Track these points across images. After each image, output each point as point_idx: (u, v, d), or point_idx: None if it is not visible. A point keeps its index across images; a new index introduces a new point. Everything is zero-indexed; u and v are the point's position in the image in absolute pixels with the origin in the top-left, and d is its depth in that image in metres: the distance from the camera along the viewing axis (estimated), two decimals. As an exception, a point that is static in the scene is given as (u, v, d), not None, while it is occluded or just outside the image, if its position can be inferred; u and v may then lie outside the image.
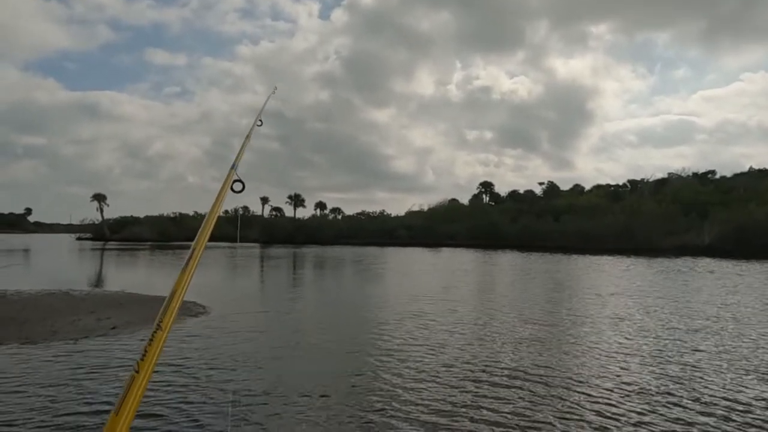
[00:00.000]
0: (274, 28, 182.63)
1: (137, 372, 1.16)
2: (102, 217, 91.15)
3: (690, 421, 5.65)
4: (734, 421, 5.63)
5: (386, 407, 6.09)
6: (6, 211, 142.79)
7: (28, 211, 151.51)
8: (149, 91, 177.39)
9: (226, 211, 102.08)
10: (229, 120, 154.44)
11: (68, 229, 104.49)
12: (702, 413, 5.86)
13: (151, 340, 1.24)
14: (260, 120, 2.97)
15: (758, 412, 5.88)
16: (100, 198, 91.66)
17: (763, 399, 6.31)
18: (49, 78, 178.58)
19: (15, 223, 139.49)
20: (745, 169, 74.81)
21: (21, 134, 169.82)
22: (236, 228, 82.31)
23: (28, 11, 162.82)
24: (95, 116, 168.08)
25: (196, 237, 1.59)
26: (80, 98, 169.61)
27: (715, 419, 5.68)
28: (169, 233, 78.60)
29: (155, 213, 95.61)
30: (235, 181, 1.95)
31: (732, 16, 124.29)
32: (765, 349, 8.95)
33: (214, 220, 1.73)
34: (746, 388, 6.75)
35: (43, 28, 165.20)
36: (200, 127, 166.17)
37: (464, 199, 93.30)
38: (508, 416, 5.78)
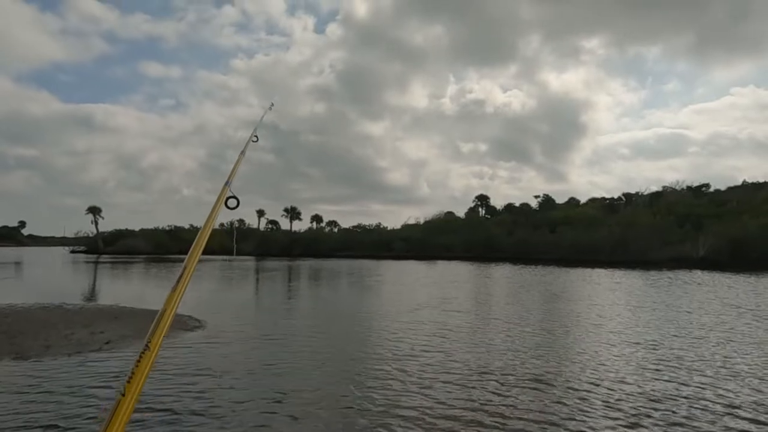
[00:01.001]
0: (269, 42, 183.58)
1: (123, 395, 1.09)
2: (97, 229, 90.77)
3: (689, 420, 5.68)
4: (744, 422, 5.67)
5: (403, 409, 6.13)
6: (0, 224, 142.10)
7: (22, 224, 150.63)
8: (143, 103, 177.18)
9: (222, 224, 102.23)
10: (224, 132, 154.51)
11: (62, 241, 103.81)
12: (701, 414, 5.88)
13: (138, 360, 1.17)
14: (256, 136, 2.91)
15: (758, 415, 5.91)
16: (94, 210, 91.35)
17: (761, 404, 6.35)
18: (42, 90, 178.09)
19: (8, 235, 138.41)
20: (738, 182, 75.67)
21: (13, 145, 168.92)
22: (232, 240, 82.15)
23: (22, 22, 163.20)
24: (89, 128, 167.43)
25: (188, 254, 1.54)
26: (74, 110, 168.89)
27: (716, 421, 5.71)
28: (164, 246, 78.35)
29: (150, 225, 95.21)
30: (229, 197, 1.92)
31: (720, 29, 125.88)
32: (752, 355, 9.00)
33: (207, 237, 1.69)
34: (743, 391, 6.78)
35: (37, 39, 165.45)
36: (195, 139, 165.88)
37: (459, 212, 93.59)
38: (524, 417, 5.78)
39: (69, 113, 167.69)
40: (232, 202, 1.91)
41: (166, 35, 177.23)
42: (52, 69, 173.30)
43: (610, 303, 17.89)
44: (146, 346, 1.20)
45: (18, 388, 7.34)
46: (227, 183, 2.05)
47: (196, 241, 1.63)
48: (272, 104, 3.89)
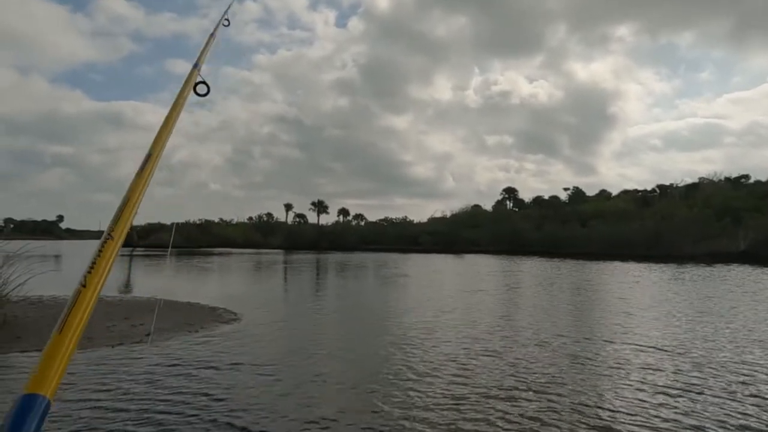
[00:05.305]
0: (292, 37, 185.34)
1: (84, 286, 1.09)
2: (131, 223, 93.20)
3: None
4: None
5: (434, 402, 6.02)
6: (39, 218, 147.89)
7: (60, 218, 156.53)
8: (170, 100, 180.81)
9: (251, 218, 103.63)
10: (249, 128, 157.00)
11: (98, 235, 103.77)
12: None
13: (100, 250, 1.19)
14: (227, 19, 2.64)
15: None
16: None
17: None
18: (76, 89, 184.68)
19: (48, 229, 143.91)
20: (780, 172, 72.39)
21: (49, 144, 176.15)
22: (262, 235, 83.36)
23: (56, 25, 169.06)
24: (120, 125, 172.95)
25: (154, 140, 1.44)
26: (105, 108, 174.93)
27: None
28: (195, 239, 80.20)
29: (179, 220, 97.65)
30: (198, 82, 1.72)
31: (759, 14, 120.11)
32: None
33: (174, 123, 1.55)
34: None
35: (70, 40, 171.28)
36: (221, 134, 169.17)
37: (486, 205, 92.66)
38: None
39: (100, 111, 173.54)
40: (201, 88, 1.72)
41: (190, 33, 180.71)
42: (84, 69, 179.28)
43: (659, 301, 17.34)
44: (109, 235, 1.20)
45: (69, 381, 7.51)
46: (196, 65, 1.80)
47: (161, 127, 1.50)
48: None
